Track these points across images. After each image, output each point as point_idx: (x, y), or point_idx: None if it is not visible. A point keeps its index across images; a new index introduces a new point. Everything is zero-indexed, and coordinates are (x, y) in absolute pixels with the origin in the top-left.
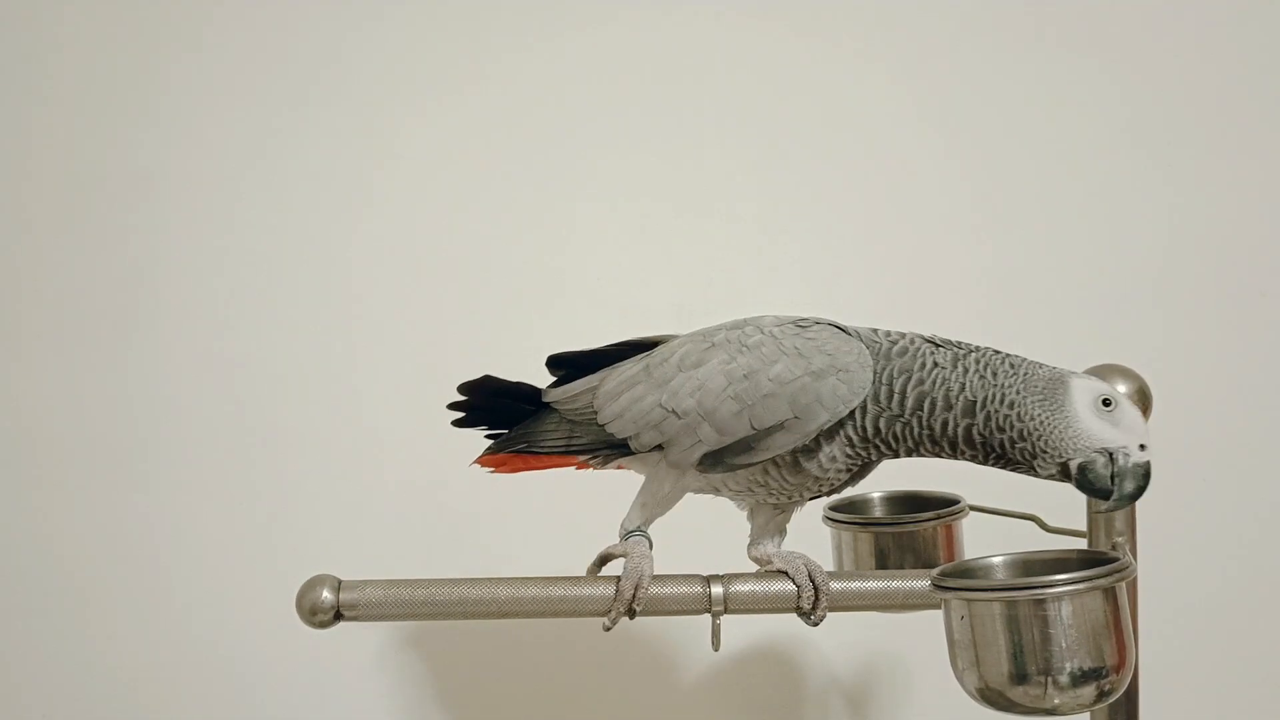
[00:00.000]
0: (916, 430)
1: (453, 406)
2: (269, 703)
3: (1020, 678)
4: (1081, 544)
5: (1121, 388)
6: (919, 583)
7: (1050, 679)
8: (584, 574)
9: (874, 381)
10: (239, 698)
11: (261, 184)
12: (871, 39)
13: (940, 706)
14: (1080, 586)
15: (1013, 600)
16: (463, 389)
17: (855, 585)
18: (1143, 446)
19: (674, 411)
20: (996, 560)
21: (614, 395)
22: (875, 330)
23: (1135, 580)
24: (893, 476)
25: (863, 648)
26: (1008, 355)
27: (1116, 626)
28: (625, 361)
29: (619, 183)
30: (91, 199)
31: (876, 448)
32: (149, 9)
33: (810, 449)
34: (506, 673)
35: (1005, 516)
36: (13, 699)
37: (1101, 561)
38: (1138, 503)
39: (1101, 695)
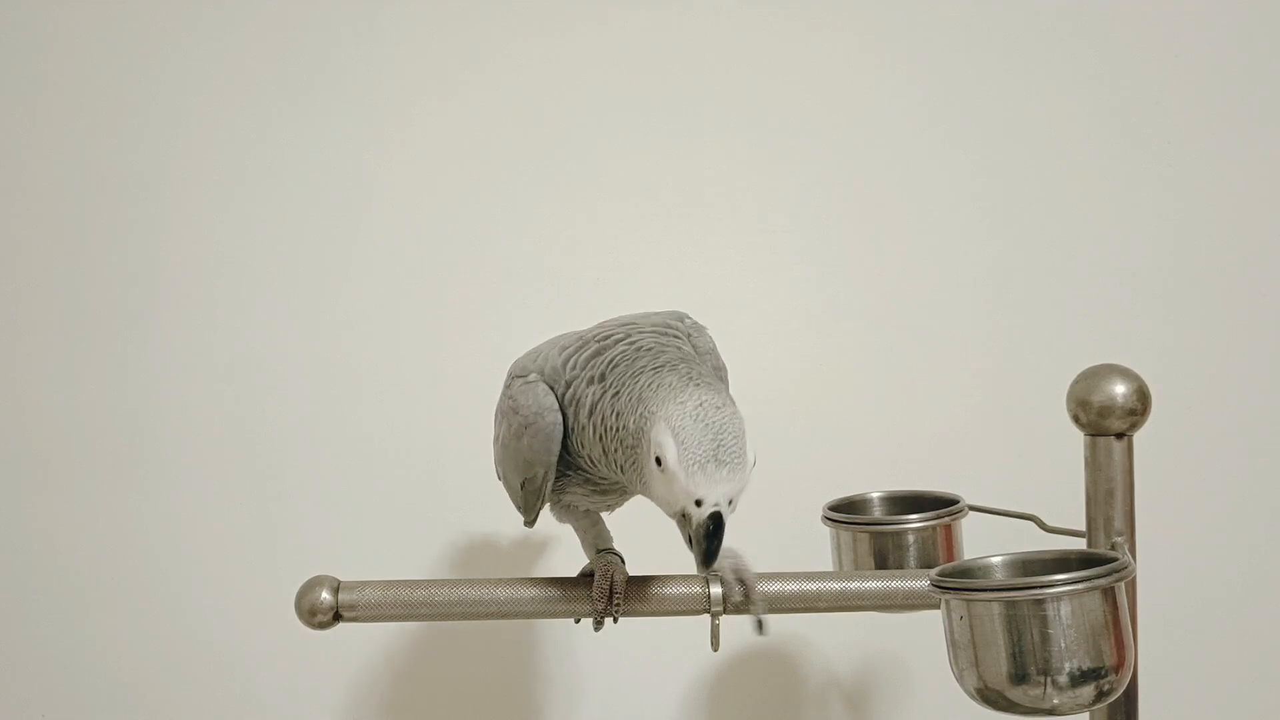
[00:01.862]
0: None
1: None
2: (268, 703)
3: (1020, 678)
4: (1081, 544)
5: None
6: (919, 583)
7: (1050, 679)
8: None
9: (568, 415)
10: (238, 698)
11: (262, 183)
12: (875, 38)
13: (940, 706)
14: (1080, 586)
15: (1012, 600)
16: None
17: (855, 585)
18: (699, 503)
19: (498, 474)
20: (996, 560)
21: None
22: (570, 355)
23: (1135, 580)
24: (893, 476)
25: (863, 648)
26: (621, 393)
27: (1116, 626)
28: None
29: (619, 182)
30: (91, 199)
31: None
32: (148, 8)
33: (581, 467)
34: (506, 673)
35: (1005, 516)
36: (13, 699)
37: (1101, 561)
38: (1135, 503)
39: (1101, 695)
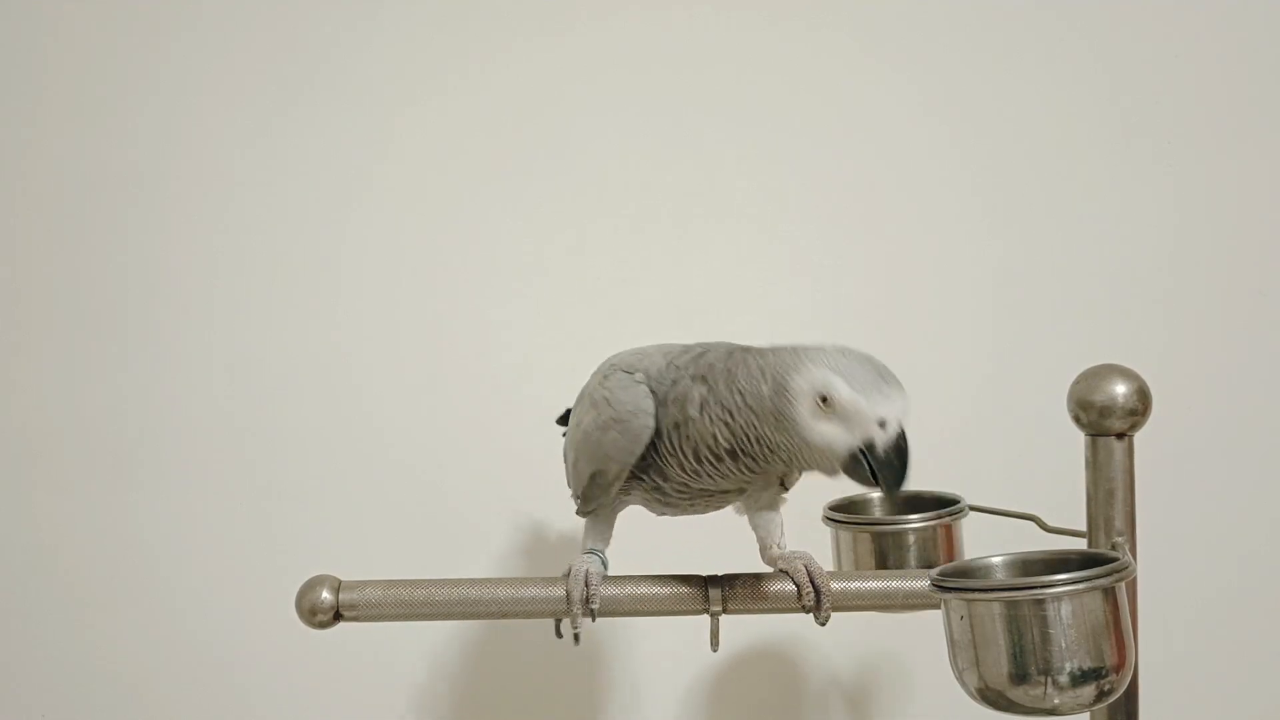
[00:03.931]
0: (721, 467)
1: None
2: (268, 703)
3: (1020, 678)
4: (1081, 544)
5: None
6: (919, 583)
7: (1050, 679)
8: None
9: (662, 420)
10: (238, 698)
11: (261, 183)
12: (874, 39)
13: (940, 706)
14: (1080, 586)
15: (1013, 600)
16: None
17: (855, 585)
18: (882, 424)
19: (565, 456)
20: (996, 560)
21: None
22: (673, 359)
23: (1135, 580)
24: None
25: (863, 648)
26: (737, 373)
27: (1116, 626)
28: None
29: (620, 182)
30: (91, 199)
31: (723, 461)
32: (148, 8)
33: (658, 475)
34: (506, 673)
35: (1005, 516)
36: (13, 699)
37: (1101, 561)
38: (1135, 503)
39: (1101, 695)
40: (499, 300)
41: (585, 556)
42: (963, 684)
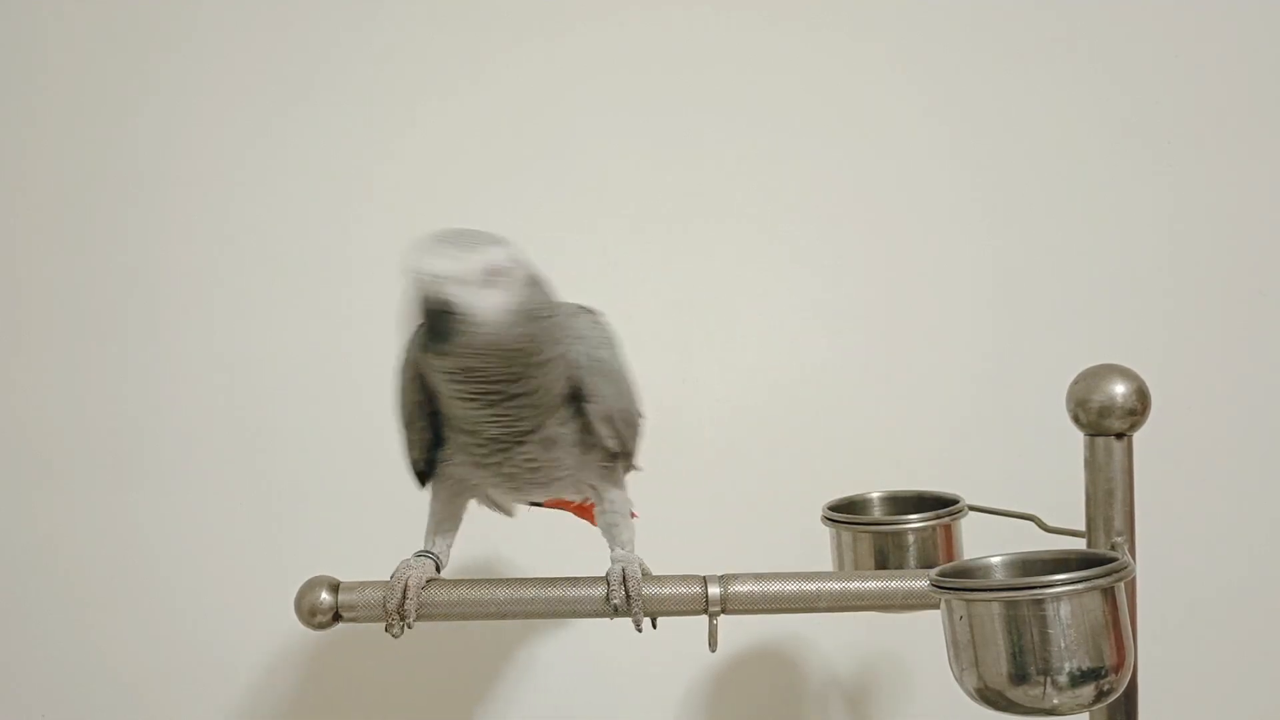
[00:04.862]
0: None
1: None
2: (269, 703)
3: (1019, 678)
4: (1081, 544)
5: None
6: (919, 583)
7: (1049, 679)
8: (579, 575)
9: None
10: (238, 699)
11: (262, 183)
12: (875, 39)
13: (940, 706)
14: (1079, 586)
15: (1012, 600)
16: None
17: (855, 585)
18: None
19: None
20: (995, 560)
21: None
22: None
23: (1135, 580)
24: (893, 476)
25: (863, 648)
26: None
27: (1115, 626)
28: None
29: (621, 182)
30: (90, 199)
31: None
32: (148, 8)
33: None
34: (505, 673)
35: (1005, 516)
36: (13, 699)
37: (1101, 561)
38: (1135, 503)
39: (1101, 695)
40: None
41: (414, 560)
42: (962, 684)
